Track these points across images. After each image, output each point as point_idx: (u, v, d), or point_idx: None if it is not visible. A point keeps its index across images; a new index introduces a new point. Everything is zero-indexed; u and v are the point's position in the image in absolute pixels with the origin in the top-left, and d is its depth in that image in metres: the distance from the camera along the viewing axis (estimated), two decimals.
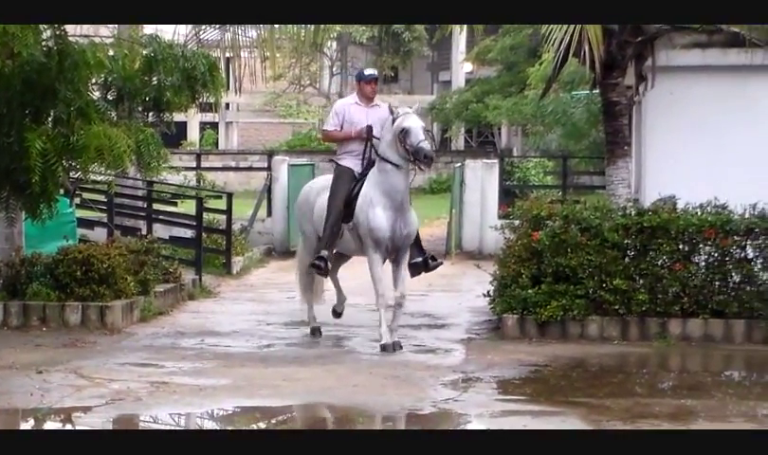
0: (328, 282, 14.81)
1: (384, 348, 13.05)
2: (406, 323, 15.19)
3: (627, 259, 13.85)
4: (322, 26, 16.50)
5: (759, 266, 13.99)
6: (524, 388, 11.59)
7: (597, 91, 15.92)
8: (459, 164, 26.25)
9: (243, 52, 17.83)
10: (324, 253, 13.50)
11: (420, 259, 13.63)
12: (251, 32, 16.24)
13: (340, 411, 10.82)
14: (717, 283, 13.98)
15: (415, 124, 13.06)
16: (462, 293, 18.07)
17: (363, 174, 13.45)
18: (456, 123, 45.17)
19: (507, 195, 24.75)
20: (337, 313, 14.74)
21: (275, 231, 24.10)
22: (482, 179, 24.03)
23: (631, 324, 13.83)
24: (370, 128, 13.46)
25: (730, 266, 13.99)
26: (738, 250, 13.97)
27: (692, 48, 15.42)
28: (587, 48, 13.45)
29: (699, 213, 13.99)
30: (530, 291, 13.80)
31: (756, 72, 15.10)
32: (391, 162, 13.14)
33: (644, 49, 14.83)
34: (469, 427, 10.41)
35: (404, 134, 12.98)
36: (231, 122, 53.85)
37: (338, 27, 37.17)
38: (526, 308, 13.91)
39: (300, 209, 14.49)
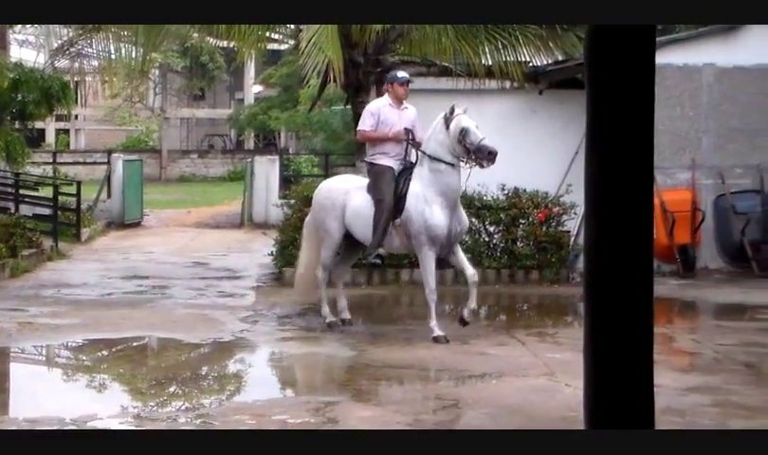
0: None
1: (437, 340, 10.16)
2: (212, 275, 15.10)
3: None
4: (148, 57, 16.09)
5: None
6: (298, 321, 11.61)
7: (350, 107, 16.04)
8: (250, 159, 26.23)
9: (88, 76, 17.29)
10: (382, 251, 10.66)
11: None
12: (94, 62, 15.78)
13: (163, 341, 10.72)
14: None
15: (471, 124, 10.33)
16: (253, 253, 18.00)
17: (401, 173, 10.56)
18: (248, 130, 44.99)
19: (285, 182, 24.73)
20: (343, 321, 11.14)
21: (113, 209, 23.54)
22: (267, 170, 23.96)
23: (375, 274, 14.01)
24: (409, 130, 10.68)
25: None
26: None
27: (417, 77, 15.66)
28: (335, 76, 13.40)
29: None
30: None
31: (460, 94, 15.31)
32: (445, 162, 10.31)
33: (382, 77, 14.97)
34: (258, 350, 10.44)
35: (463, 133, 10.22)
36: (79, 129, 52.35)
37: (159, 59, 36.41)
38: None
39: (323, 210, 10.92)
